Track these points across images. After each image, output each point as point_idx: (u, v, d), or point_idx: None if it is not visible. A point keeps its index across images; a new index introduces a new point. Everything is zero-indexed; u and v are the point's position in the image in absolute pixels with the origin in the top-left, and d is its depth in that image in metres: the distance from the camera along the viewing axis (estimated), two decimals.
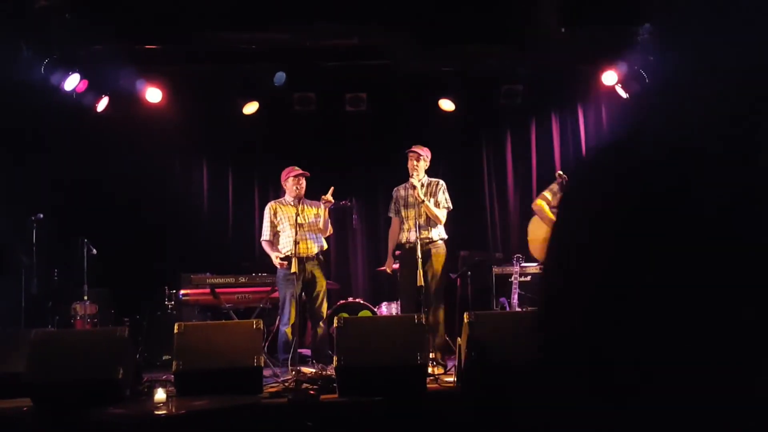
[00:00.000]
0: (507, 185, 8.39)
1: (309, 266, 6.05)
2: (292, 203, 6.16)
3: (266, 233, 6.20)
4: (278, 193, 6.37)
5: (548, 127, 8.33)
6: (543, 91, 8.03)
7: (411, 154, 6.09)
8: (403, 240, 6.03)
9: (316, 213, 6.20)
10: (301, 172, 6.17)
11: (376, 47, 7.28)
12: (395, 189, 6.27)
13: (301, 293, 5.96)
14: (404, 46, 7.07)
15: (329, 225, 6.24)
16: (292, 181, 6.14)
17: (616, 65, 7.36)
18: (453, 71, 7.72)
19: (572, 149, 8.20)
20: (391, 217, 6.31)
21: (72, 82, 7.07)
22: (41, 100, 7.00)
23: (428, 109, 8.04)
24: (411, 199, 6.01)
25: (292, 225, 6.03)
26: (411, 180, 6.02)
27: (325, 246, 6.33)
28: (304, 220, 6.05)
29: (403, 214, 6.08)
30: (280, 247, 6.14)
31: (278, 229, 6.17)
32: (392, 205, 6.23)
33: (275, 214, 6.19)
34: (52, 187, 7.30)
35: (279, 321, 6.05)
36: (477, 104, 8.13)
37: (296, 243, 5.87)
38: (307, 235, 6.06)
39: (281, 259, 6.00)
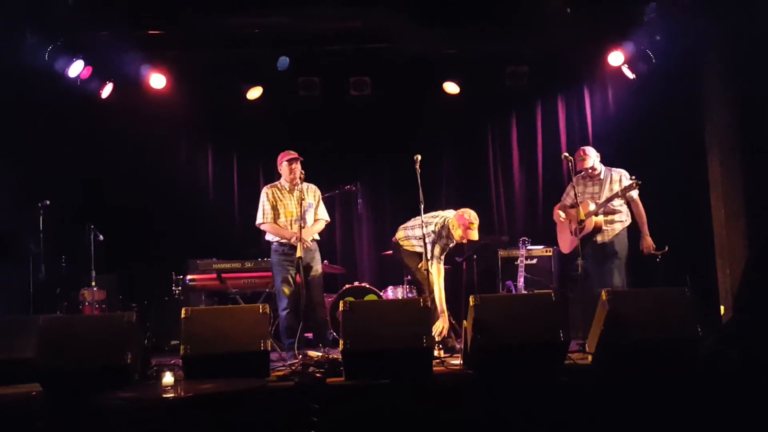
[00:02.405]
0: (512, 168, 8.36)
1: (304, 256, 5.99)
2: (288, 188, 6.11)
3: (268, 216, 6.06)
4: None
5: (554, 108, 8.28)
6: (549, 72, 7.97)
7: (470, 224, 5.91)
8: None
9: (310, 201, 6.15)
10: (294, 156, 6.09)
11: (380, 30, 7.24)
12: (437, 234, 5.94)
13: (296, 277, 5.89)
14: (408, 29, 7.02)
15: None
16: (287, 166, 6.08)
17: (623, 45, 7.29)
18: (457, 53, 7.66)
19: (578, 131, 8.15)
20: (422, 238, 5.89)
21: (76, 68, 7.07)
22: (46, 87, 7.00)
23: (433, 92, 8.00)
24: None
25: (288, 211, 6.00)
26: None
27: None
28: (302, 208, 6.00)
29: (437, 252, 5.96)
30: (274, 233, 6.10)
31: (276, 210, 6.10)
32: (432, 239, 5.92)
33: (273, 198, 6.11)
34: (58, 174, 7.32)
35: (278, 307, 6.03)
36: (482, 87, 8.07)
37: (300, 228, 5.85)
38: (303, 222, 6.02)
39: (284, 241, 5.94)
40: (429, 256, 5.67)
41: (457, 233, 5.92)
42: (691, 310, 4.62)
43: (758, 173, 6.38)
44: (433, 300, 5.29)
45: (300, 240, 5.78)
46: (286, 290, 5.90)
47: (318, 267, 6.13)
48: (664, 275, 6.31)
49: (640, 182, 5.90)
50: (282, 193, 6.13)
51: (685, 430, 4.20)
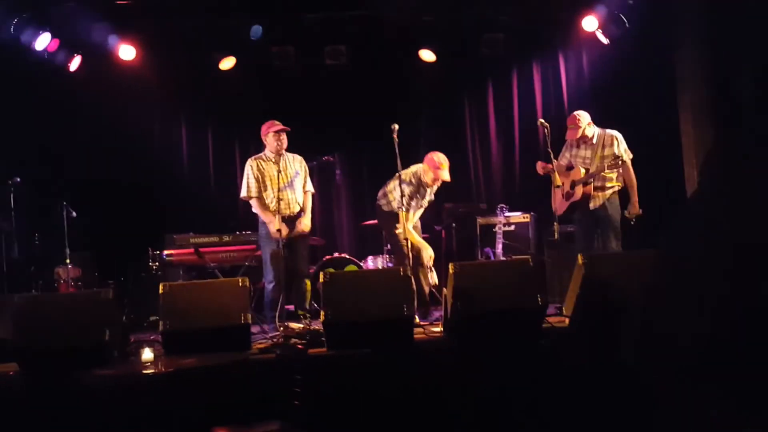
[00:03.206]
0: (489, 135, 8.35)
1: (292, 227, 5.98)
2: (273, 159, 6.04)
3: (253, 190, 5.99)
4: (260, 148, 6.23)
5: (529, 75, 8.27)
6: (524, 39, 7.93)
7: (437, 167, 6.03)
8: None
9: (296, 170, 6.10)
10: (282, 127, 5.99)
11: None
12: (408, 182, 6.03)
13: (284, 250, 5.88)
14: None
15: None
16: (273, 137, 5.98)
17: (596, 10, 7.27)
18: (433, 21, 7.59)
19: (554, 97, 8.16)
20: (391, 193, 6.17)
21: (43, 41, 6.89)
22: (12, 61, 6.83)
23: (409, 60, 7.93)
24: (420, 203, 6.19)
25: (274, 183, 5.94)
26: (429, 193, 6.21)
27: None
28: (287, 177, 5.96)
29: (412, 204, 6.12)
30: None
31: (263, 182, 6.04)
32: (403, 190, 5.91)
33: (258, 170, 6.05)
34: (28, 151, 7.18)
35: (264, 279, 6.02)
36: (458, 54, 8.02)
37: (279, 200, 5.79)
38: (289, 193, 5.97)
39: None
40: (400, 205, 5.81)
41: (428, 177, 6.02)
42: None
43: (731, 136, 6.44)
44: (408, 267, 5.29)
45: (278, 213, 5.74)
46: (274, 263, 5.87)
47: (306, 239, 6.12)
48: (639, 238, 6.38)
49: (625, 160, 5.91)
50: (267, 165, 6.04)
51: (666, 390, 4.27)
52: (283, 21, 7.44)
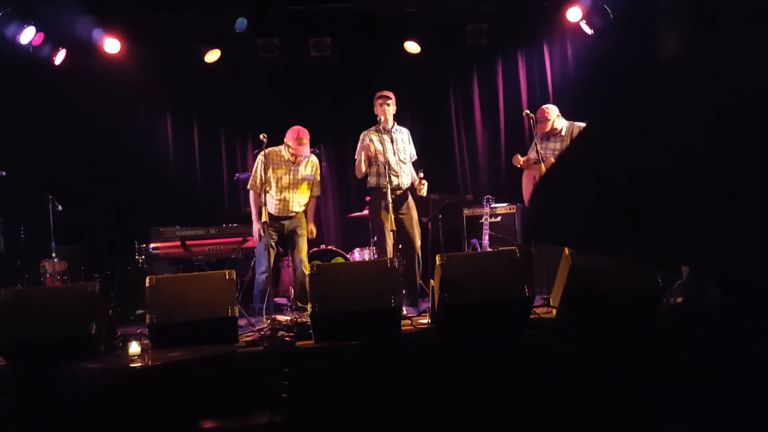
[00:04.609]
0: (475, 126, 8.37)
1: (288, 224, 6.04)
2: (286, 158, 6.03)
3: (255, 182, 6.04)
4: (245, 141, 6.21)
5: (514, 66, 8.28)
6: (508, 29, 7.96)
7: (381, 99, 6.01)
8: (383, 185, 5.95)
9: (306, 175, 6.11)
10: (302, 152, 6.00)
11: None
12: (365, 134, 6.11)
13: (278, 244, 5.93)
14: None
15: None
16: (290, 149, 6.00)
17: (580, 0, 7.29)
18: (418, 12, 7.59)
19: (539, 88, 8.18)
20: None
21: (28, 35, 6.83)
22: None
23: (394, 52, 7.93)
24: (390, 151, 6.03)
25: (279, 182, 6.00)
26: (386, 127, 6.07)
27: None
28: (294, 179, 6.01)
29: (381, 160, 6.00)
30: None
31: (268, 180, 6.06)
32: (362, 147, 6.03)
33: (266, 166, 6.03)
34: (13, 144, 7.12)
35: (255, 270, 6.03)
36: (443, 45, 8.04)
37: (279, 200, 5.87)
38: (292, 194, 6.04)
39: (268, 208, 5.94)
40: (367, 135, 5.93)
41: (377, 110, 6.10)
42: None
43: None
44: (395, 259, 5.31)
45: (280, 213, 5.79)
46: (267, 254, 5.90)
47: (303, 232, 6.15)
48: None
49: None
50: (279, 163, 6.05)
51: (648, 380, 4.32)
52: (268, 13, 7.41)
